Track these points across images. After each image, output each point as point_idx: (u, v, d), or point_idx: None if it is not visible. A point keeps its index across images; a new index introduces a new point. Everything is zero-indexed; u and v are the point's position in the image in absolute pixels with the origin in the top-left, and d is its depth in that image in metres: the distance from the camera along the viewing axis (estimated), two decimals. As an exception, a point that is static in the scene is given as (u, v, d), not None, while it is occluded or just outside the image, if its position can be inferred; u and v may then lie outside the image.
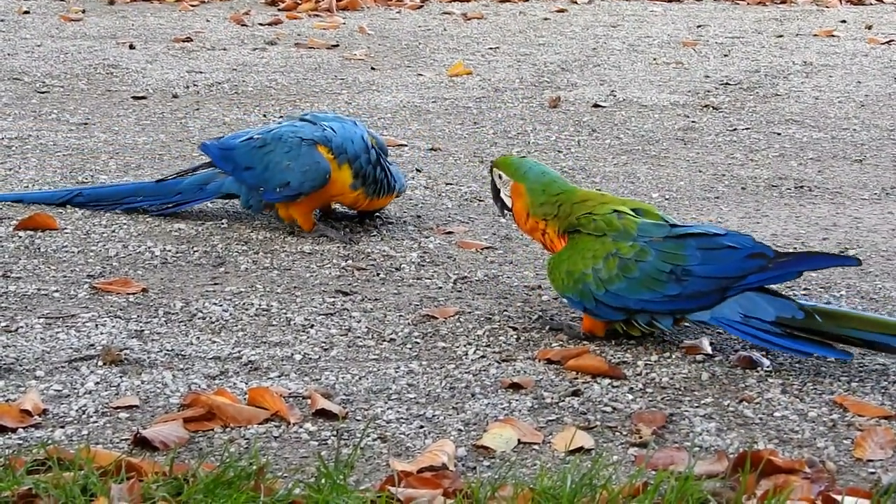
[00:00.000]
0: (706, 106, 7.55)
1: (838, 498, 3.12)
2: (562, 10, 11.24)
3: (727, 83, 8.22)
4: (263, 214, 5.31)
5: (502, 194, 4.42)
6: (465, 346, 4.11)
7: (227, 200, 5.48)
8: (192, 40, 9.44)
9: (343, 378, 3.86)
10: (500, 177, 4.41)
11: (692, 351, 4.08)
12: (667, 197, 5.75)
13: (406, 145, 6.48)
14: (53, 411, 3.61)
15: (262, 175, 5.07)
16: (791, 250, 4.70)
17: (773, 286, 4.09)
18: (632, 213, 4.18)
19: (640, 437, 3.51)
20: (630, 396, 3.78)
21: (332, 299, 4.48)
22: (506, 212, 4.48)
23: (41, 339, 4.09)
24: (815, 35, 10.16)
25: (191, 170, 5.46)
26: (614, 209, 4.18)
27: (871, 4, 11.89)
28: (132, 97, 7.55)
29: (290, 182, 5.01)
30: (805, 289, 4.62)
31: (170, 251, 4.91)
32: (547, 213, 4.26)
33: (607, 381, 3.87)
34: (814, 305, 4.05)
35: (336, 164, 5.03)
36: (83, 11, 10.62)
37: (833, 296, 4.57)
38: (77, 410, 3.62)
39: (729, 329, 4.05)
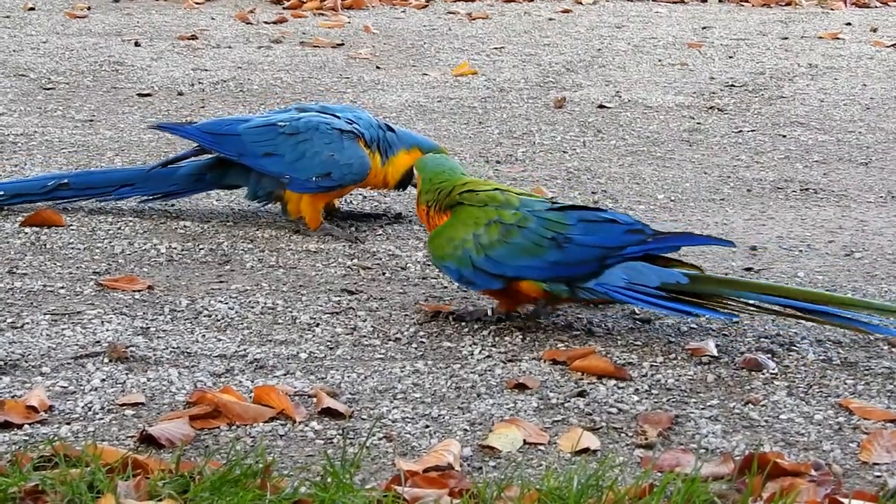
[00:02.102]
0: (711, 107, 7.55)
1: (844, 501, 3.12)
2: (567, 11, 11.24)
3: (732, 85, 8.22)
4: (269, 213, 5.31)
5: None
6: (470, 345, 4.11)
7: (231, 199, 5.48)
8: (197, 38, 9.43)
9: (349, 377, 3.87)
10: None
11: (698, 352, 4.08)
12: (672, 198, 5.75)
13: (411, 145, 6.47)
14: (59, 408, 3.61)
15: (295, 164, 5.05)
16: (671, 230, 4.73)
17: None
18: (515, 192, 4.31)
19: (646, 439, 3.51)
20: (636, 398, 3.78)
21: (338, 298, 4.48)
22: None
23: (47, 335, 4.09)
24: (821, 37, 10.15)
25: (175, 158, 5.41)
26: (496, 188, 4.31)
27: (877, 7, 11.88)
28: (137, 94, 7.55)
29: (331, 173, 5.02)
30: (811, 291, 4.62)
31: (175, 249, 4.91)
32: (429, 199, 4.37)
33: (613, 382, 3.86)
34: (699, 274, 4.18)
35: (370, 154, 5.06)
36: (88, 8, 10.62)
37: (839, 298, 4.57)
38: (83, 407, 3.62)
39: (614, 294, 4.11)
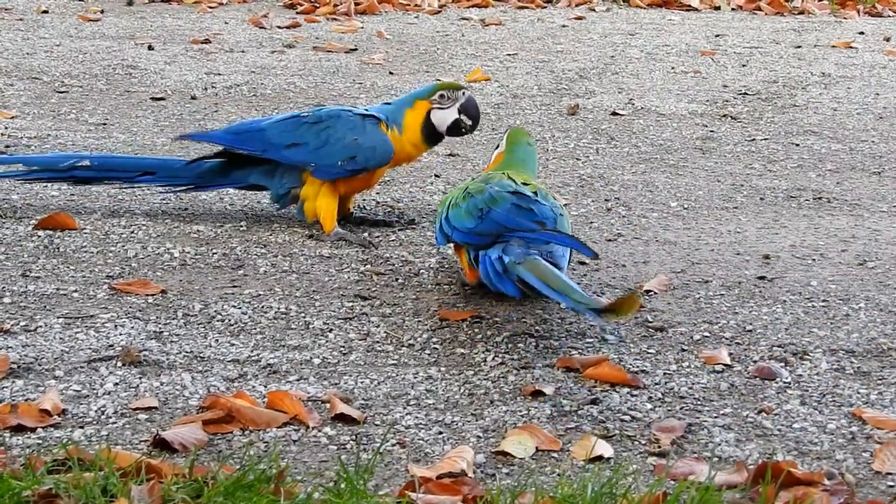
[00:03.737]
0: (724, 116, 7.55)
1: (858, 511, 3.13)
2: (580, 18, 11.24)
3: (745, 93, 8.21)
4: (283, 218, 5.32)
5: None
6: (483, 352, 4.11)
7: (244, 203, 5.49)
8: (210, 42, 9.45)
9: (362, 383, 3.87)
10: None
11: (711, 361, 4.08)
12: (685, 206, 5.74)
13: (424, 150, 6.48)
14: (73, 411, 3.61)
15: (319, 150, 5.10)
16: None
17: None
18: (523, 182, 4.50)
19: (660, 447, 3.51)
20: (649, 405, 3.77)
21: (351, 303, 4.48)
22: None
23: (60, 338, 4.10)
24: (834, 46, 10.15)
25: (201, 158, 5.44)
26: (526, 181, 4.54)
27: (890, 16, 11.87)
28: (151, 98, 7.56)
29: (356, 156, 5.09)
30: (824, 301, 4.62)
31: (189, 253, 4.92)
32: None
33: (626, 389, 3.86)
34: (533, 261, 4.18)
35: (389, 134, 5.15)
36: (102, 12, 10.63)
37: (852, 308, 4.56)
38: (96, 411, 3.62)
39: (482, 264, 4.27)
